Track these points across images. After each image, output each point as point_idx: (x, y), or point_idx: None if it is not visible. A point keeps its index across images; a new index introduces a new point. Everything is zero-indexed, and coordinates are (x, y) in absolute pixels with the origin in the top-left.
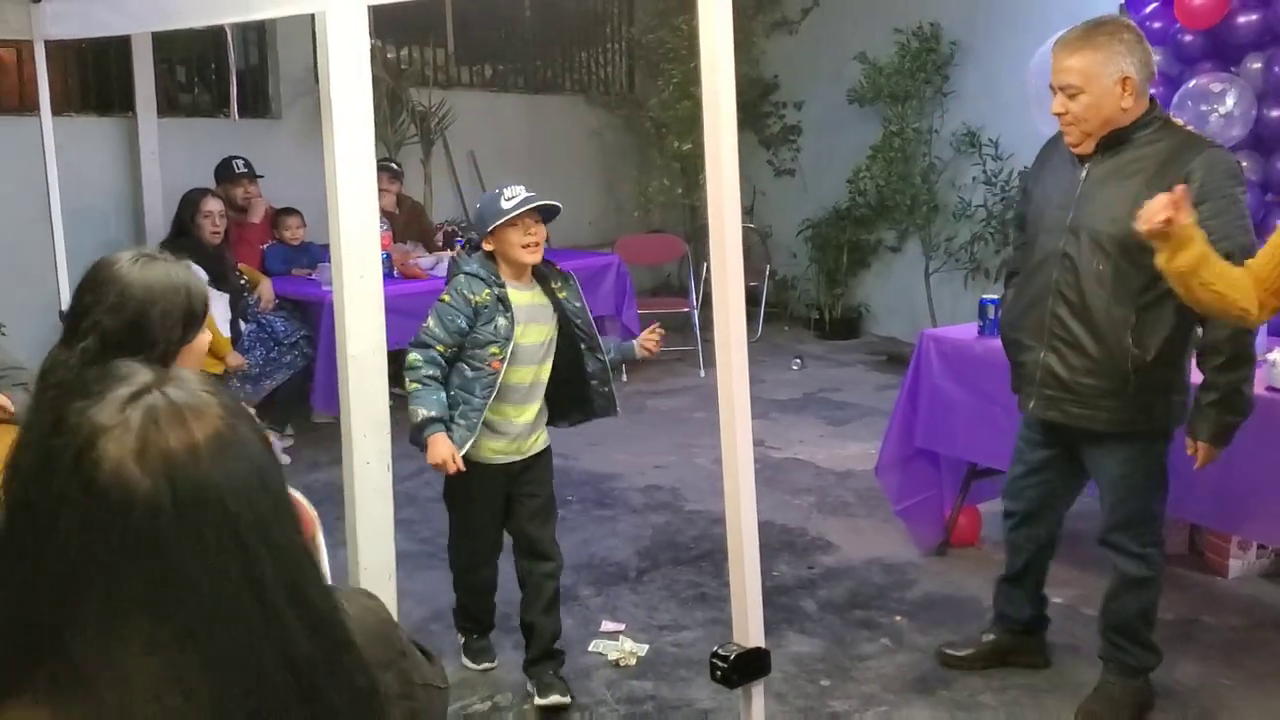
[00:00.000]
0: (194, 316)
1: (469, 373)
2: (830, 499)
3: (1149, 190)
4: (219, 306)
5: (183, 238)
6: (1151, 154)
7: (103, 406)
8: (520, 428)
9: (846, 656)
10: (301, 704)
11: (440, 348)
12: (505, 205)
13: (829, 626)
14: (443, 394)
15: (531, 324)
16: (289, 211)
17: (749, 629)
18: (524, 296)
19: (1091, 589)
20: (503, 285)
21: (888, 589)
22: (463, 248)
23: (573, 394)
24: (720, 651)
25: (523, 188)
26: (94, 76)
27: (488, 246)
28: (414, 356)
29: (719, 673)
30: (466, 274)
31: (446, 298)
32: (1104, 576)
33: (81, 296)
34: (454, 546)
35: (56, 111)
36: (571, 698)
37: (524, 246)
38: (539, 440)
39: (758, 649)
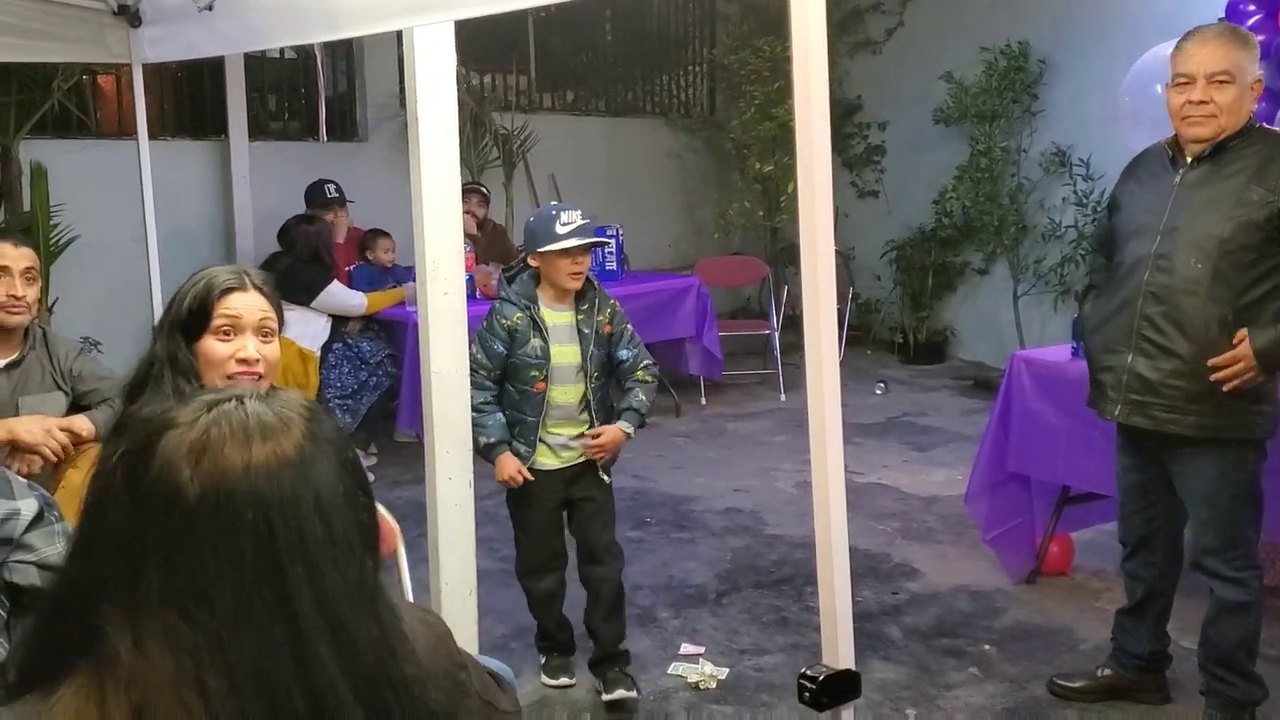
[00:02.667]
0: (194, 311)
1: (516, 396)
2: (915, 525)
3: (1253, 186)
4: (317, 325)
5: (291, 258)
6: (1251, 154)
7: (183, 408)
8: (568, 439)
9: (933, 685)
10: None
11: (484, 372)
12: (560, 231)
13: (914, 654)
14: (499, 415)
15: (566, 344)
16: (380, 233)
17: (839, 650)
18: (559, 317)
19: (1189, 621)
20: (535, 306)
21: (975, 617)
22: (506, 270)
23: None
24: (809, 673)
25: (579, 212)
26: (188, 101)
27: (534, 263)
28: None
29: (807, 694)
30: (501, 299)
31: (485, 325)
32: (1203, 607)
33: None
34: (518, 554)
35: (152, 135)
36: (638, 692)
37: (570, 274)
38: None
39: (848, 671)
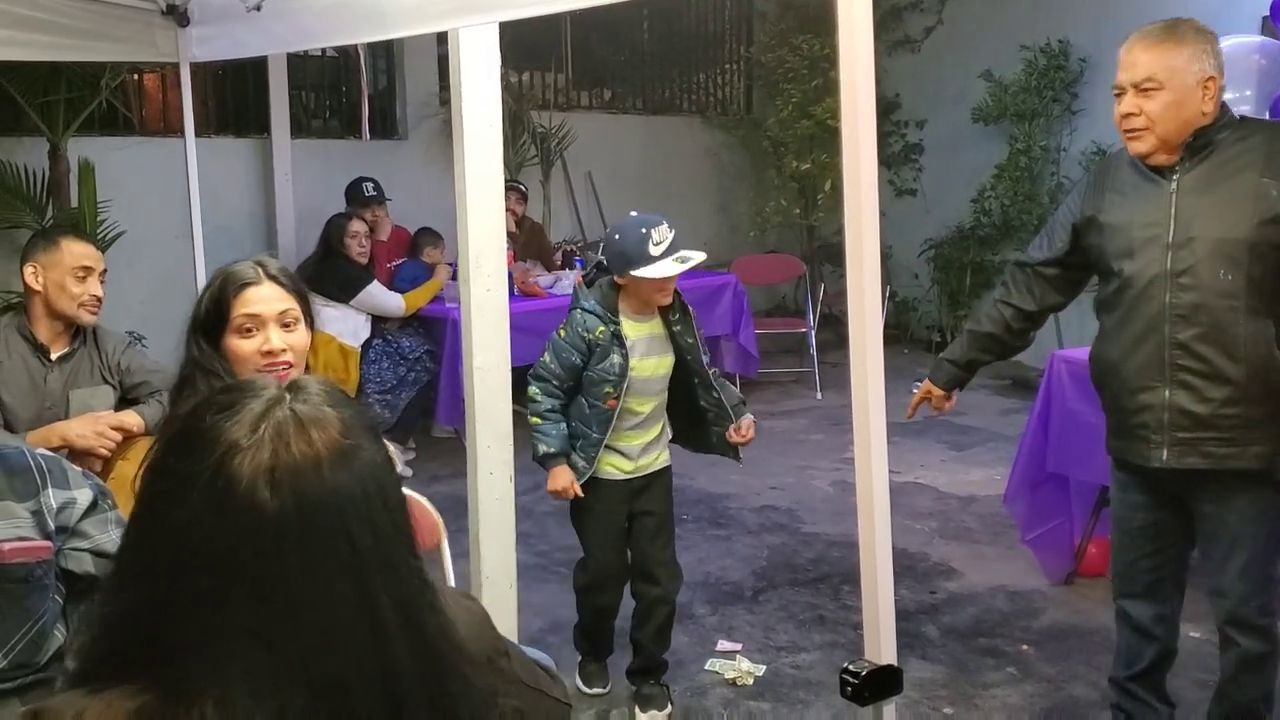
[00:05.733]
0: (211, 312)
1: (587, 409)
2: (953, 524)
3: (1266, 180)
4: (357, 321)
5: (331, 258)
6: (1251, 146)
7: (238, 422)
8: (639, 449)
9: (970, 684)
10: None
11: (556, 382)
12: (654, 253)
13: (952, 653)
14: (563, 425)
15: (649, 356)
16: (429, 232)
17: (880, 646)
18: (641, 329)
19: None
20: (618, 321)
21: (1013, 617)
22: (584, 276)
23: (691, 420)
24: (851, 668)
25: (666, 224)
26: (231, 99)
27: (621, 280)
28: (533, 390)
29: (849, 689)
30: (584, 310)
31: (563, 333)
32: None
33: None
34: (579, 565)
35: (196, 133)
36: (670, 705)
37: (659, 293)
38: (659, 459)
39: (890, 666)
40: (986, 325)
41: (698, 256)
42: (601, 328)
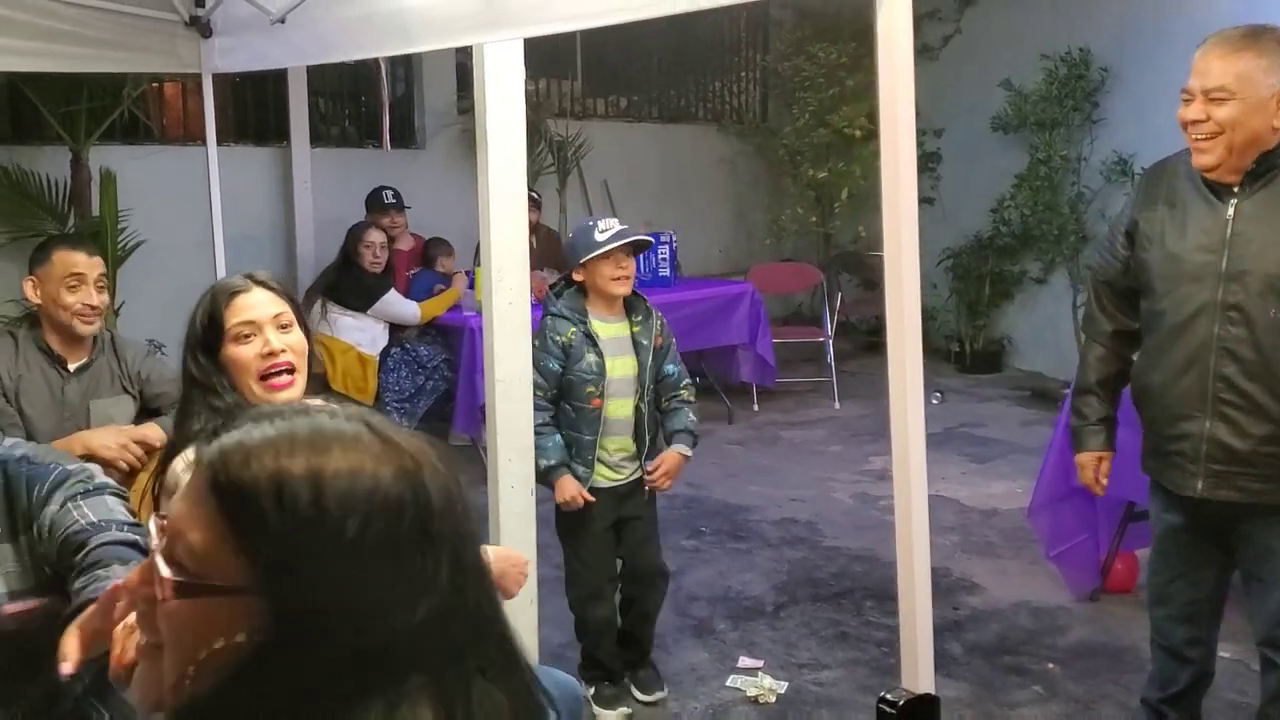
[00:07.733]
0: (207, 326)
1: (574, 414)
2: (975, 538)
3: None
4: (375, 329)
5: (349, 267)
6: None
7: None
8: (624, 457)
9: (996, 703)
10: None
11: (541, 392)
12: (599, 238)
13: (977, 671)
14: (558, 436)
15: (620, 356)
16: (440, 242)
17: (918, 674)
18: (611, 329)
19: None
20: (587, 321)
21: (1038, 634)
22: (552, 286)
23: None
24: (888, 696)
25: (616, 221)
26: (251, 108)
27: (578, 277)
28: None
29: (885, 719)
30: (552, 315)
31: (537, 342)
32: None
33: None
34: (570, 580)
35: (217, 141)
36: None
37: (614, 279)
38: (636, 469)
39: (928, 695)
40: (1094, 374)
41: (642, 237)
42: (572, 329)
